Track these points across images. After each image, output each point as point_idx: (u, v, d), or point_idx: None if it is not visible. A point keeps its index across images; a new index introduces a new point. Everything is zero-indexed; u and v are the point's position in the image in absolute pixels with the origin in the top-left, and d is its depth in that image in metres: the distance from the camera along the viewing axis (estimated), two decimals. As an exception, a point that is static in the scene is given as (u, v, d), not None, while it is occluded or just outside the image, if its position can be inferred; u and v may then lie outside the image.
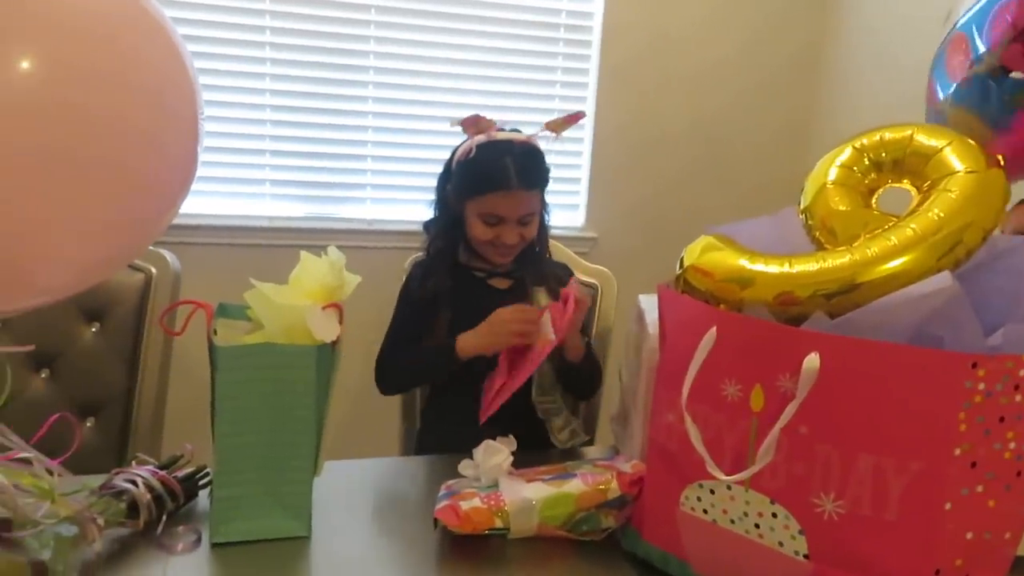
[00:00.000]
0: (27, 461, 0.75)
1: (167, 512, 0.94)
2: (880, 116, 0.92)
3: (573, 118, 1.39)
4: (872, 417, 0.72)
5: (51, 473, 0.76)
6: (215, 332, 0.97)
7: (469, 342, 1.34)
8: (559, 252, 1.63)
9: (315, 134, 2.17)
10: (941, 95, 0.98)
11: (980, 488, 0.71)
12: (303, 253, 1.01)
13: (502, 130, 1.40)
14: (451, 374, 1.37)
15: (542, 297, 1.47)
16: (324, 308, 0.95)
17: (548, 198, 2.31)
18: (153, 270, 1.38)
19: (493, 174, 1.36)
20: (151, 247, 1.40)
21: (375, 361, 1.46)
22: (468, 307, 1.42)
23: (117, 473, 0.95)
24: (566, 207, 2.41)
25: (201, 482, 1.01)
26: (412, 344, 1.44)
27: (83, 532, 0.81)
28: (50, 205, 0.72)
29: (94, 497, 0.89)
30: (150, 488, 0.93)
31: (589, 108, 2.35)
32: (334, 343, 0.96)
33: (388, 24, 2.14)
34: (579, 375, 1.46)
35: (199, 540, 0.92)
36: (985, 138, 0.84)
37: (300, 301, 0.96)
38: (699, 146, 2.45)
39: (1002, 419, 0.70)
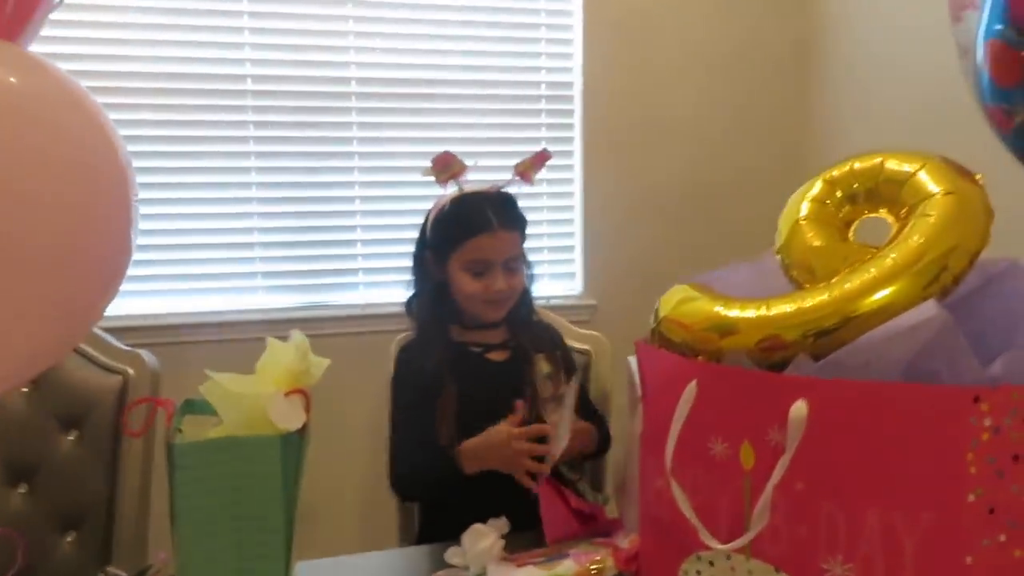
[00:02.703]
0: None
1: (132, 628, 0.88)
2: (876, 147, 0.88)
3: (539, 158, 1.39)
4: (871, 466, 0.66)
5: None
6: (179, 430, 0.92)
7: (474, 463, 1.27)
8: (548, 319, 1.59)
9: (303, 223, 2.16)
10: (1009, 108, 0.93)
11: (1003, 537, 0.63)
12: (270, 339, 0.97)
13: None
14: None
15: (543, 364, 1.42)
16: (287, 395, 0.90)
17: (544, 268, 2.28)
18: (130, 371, 1.34)
19: (473, 219, 1.35)
20: (128, 348, 1.37)
21: (388, 466, 1.40)
22: (471, 385, 1.37)
23: (79, 590, 0.89)
24: (562, 276, 2.38)
25: (171, 593, 0.95)
26: (424, 435, 1.37)
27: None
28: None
29: (49, 618, 0.83)
30: (112, 604, 0.87)
31: (576, 173, 2.34)
32: (301, 432, 0.91)
33: (369, 109, 2.16)
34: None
35: (165, 658, 0.85)
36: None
37: (264, 389, 0.91)
38: (691, 196, 2.42)
39: (1016, 457, 0.63)
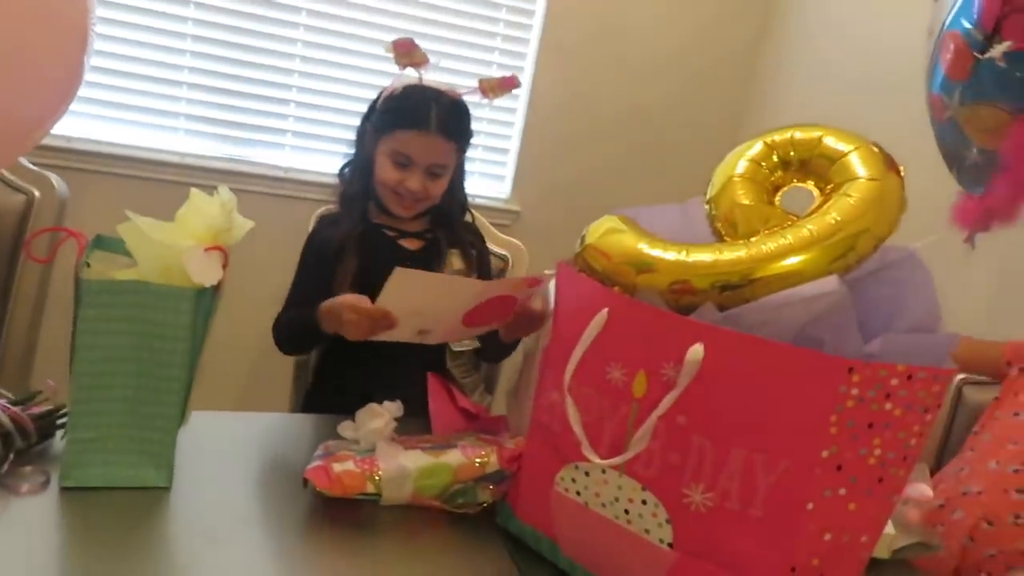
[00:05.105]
0: None
1: (16, 451, 0.88)
2: (809, 118, 0.91)
3: (507, 83, 1.35)
4: (748, 412, 0.72)
5: None
6: (87, 265, 0.90)
7: (327, 323, 1.23)
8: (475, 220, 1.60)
9: (237, 71, 2.07)
10: (947, 101, 0.97)
11: (843, 491, 0.71)
12: (193, 190, 0.95)
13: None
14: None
15: (455, 260, 1.43)
16: (207, 250, 0.89)
17: (475, 166, 2.26)
18: (36, 193, 1.28)
19: (413, 112, 1.32)
20: (35, 167, 1.31)
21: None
22: (375, 265, 1.37)
23: (-37, 406, 0.88)
24: (492, 177, 2.38)
25: (59, 422, 0.95)
26: (315, 300, 1.37)
27: (-90, 466, 0.75)
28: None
29: (-70, 430, 0.82)
30: (-3, 424, 0.86)
31: (526, 80, 2.31)
32: (215, 288, 0.91)
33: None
34: (500, 348, 1.42)
35: (47, 483, 0.87)
36: (1004, 123, 0.84)
37: (183, 241, 0.90)
38: (633, 133, 2.44)
39: (871, 425, 0.70)
